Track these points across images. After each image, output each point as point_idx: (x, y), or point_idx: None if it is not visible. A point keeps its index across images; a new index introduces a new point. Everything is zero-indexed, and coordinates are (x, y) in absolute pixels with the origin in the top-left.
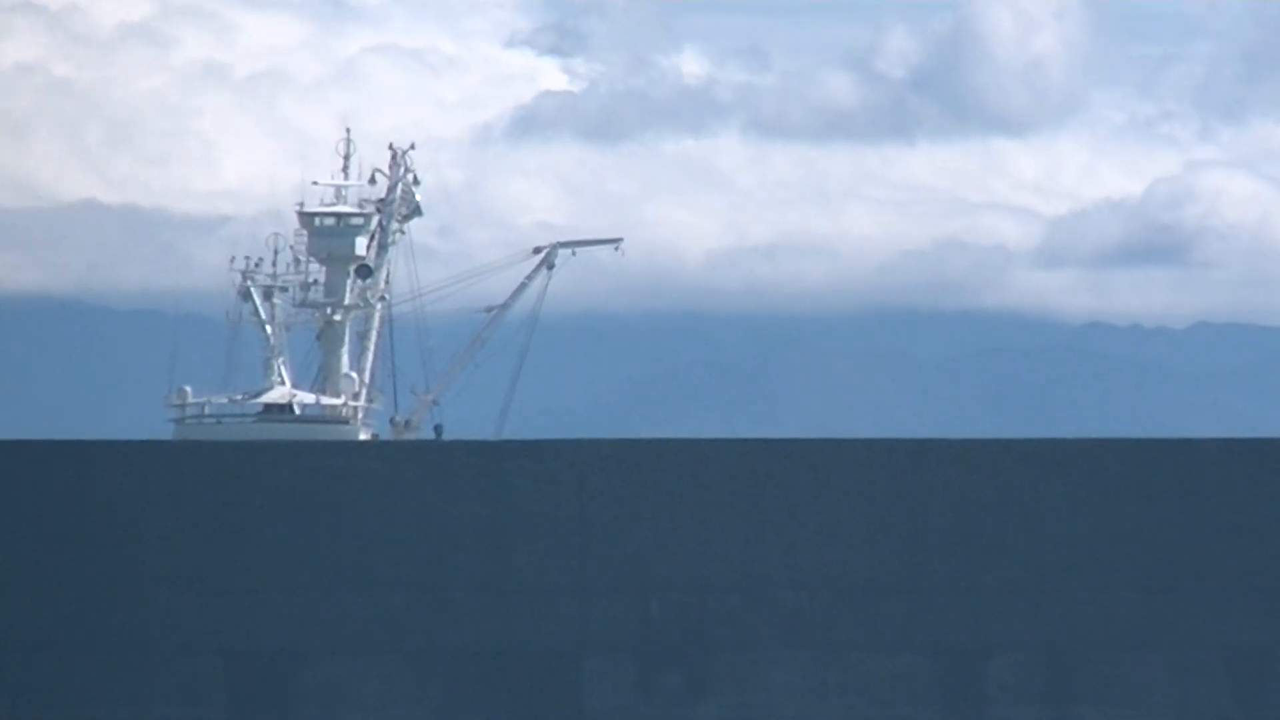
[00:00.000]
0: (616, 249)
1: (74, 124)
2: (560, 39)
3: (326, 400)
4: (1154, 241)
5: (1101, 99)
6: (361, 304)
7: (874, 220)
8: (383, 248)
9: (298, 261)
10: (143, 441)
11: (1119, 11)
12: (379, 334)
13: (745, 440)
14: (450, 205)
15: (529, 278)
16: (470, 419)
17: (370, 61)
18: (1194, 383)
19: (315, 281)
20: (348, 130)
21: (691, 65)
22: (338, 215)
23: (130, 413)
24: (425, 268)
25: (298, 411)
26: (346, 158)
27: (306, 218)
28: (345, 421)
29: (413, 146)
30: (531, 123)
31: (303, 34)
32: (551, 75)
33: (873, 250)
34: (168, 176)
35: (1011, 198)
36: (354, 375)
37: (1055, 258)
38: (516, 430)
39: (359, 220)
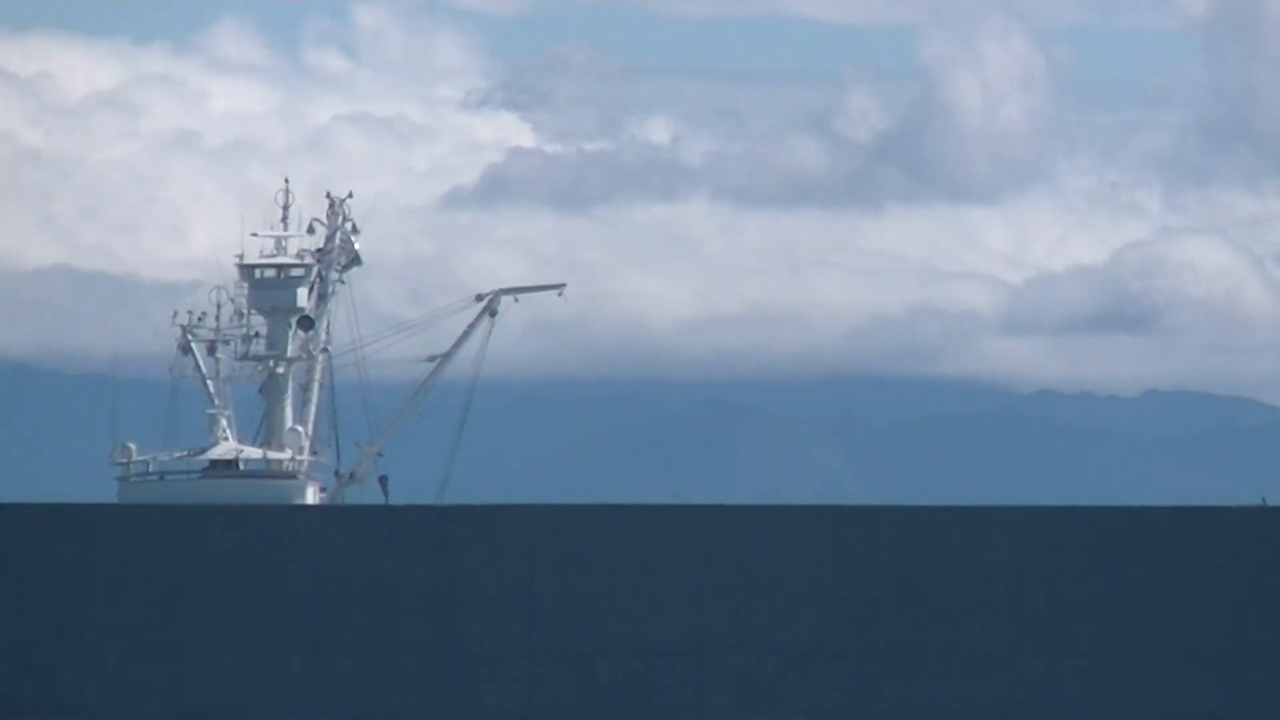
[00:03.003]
0: (559, 294)
1: (43, 192)
2: (525, 98)
3: (272, 455)
4: (1120, 310)
5: (1068, 166)
6: (304, 356)
7: (842, 288)
8: (322, 298)
9: (239, 314)
10: (90, 505)
11: (1082, 81)
12: (321, 386)
13: (694, 506)
14: (418, 272)
15: (472, 325)
16: (416, 473)
17: (340, 129)
18: (1142, 451)
19: (257, 334)
20: (286, 180)
21: (659, 130)
22: (278, 266)
23: (75, 472)
24: (398, 334)
25: (243, 468)
26: (285, 208)
27: (246, 270)
28: (292, 476)
29: (350, 195)
30: (500, 189)
31: (272, 101)
32: (520, 135)
33: (839, 318)
34: (137, 244)
35: (979, 265)
36: (299, 429)
37: (1021, 325)
38: (462, 490)
39: (299, 271)
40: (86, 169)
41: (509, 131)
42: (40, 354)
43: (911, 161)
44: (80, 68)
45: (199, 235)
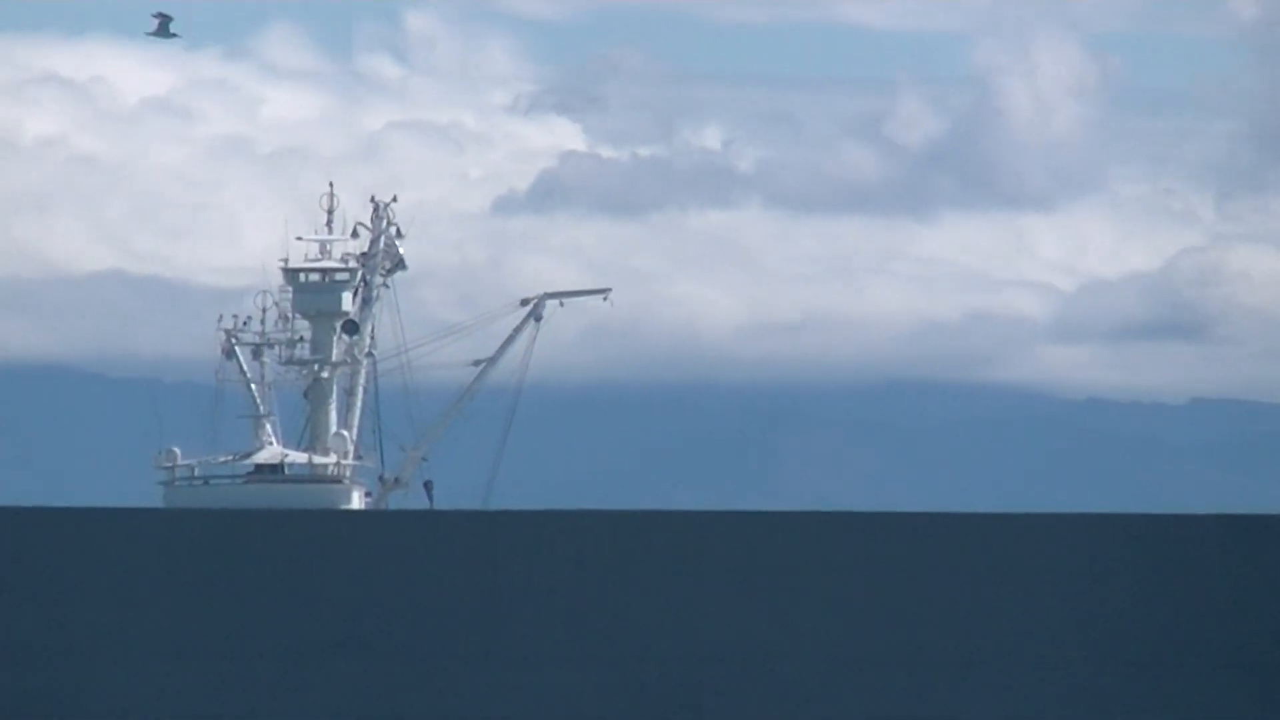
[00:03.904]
0: (605, 299)
1: (97, 197)
2: (577, 102)
3: (317, 459)
4: (1173, 317)
5: (1120, 174)
6: (349, 360)
7: (895, 295)
8: (367, 302)
9: (284, 319)
10: (133, 509)
11: (1133, 88)
12: (366, 390)
13: (740, 512)
14: (471, 278)
15: (517, 330)
16: (461, 478)
17: (394, 136)
18: (1188, 458)
19: (301, 339)
20: (330, 185)
21: (711, 136)
22: (323, 271)
23: (120, 476)
24: (443, 338)
25: (288, 472)
26: (330, 212)
27: (291, 274)
28: (337, 481)
29: (394, 199)
30: (553, 194)
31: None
32: (573, 139)
33: (891, 325)
34: (190, 250)
35: (1032, 272)
36: (345, 434)
37: (1073, 332)
38: (508, 496)
39: (344, 275)
40: (140, 174)
41: (562, 136)
42: (88, 358)
43: (965, 169)
44: (134, 72)
45: (252, 241)
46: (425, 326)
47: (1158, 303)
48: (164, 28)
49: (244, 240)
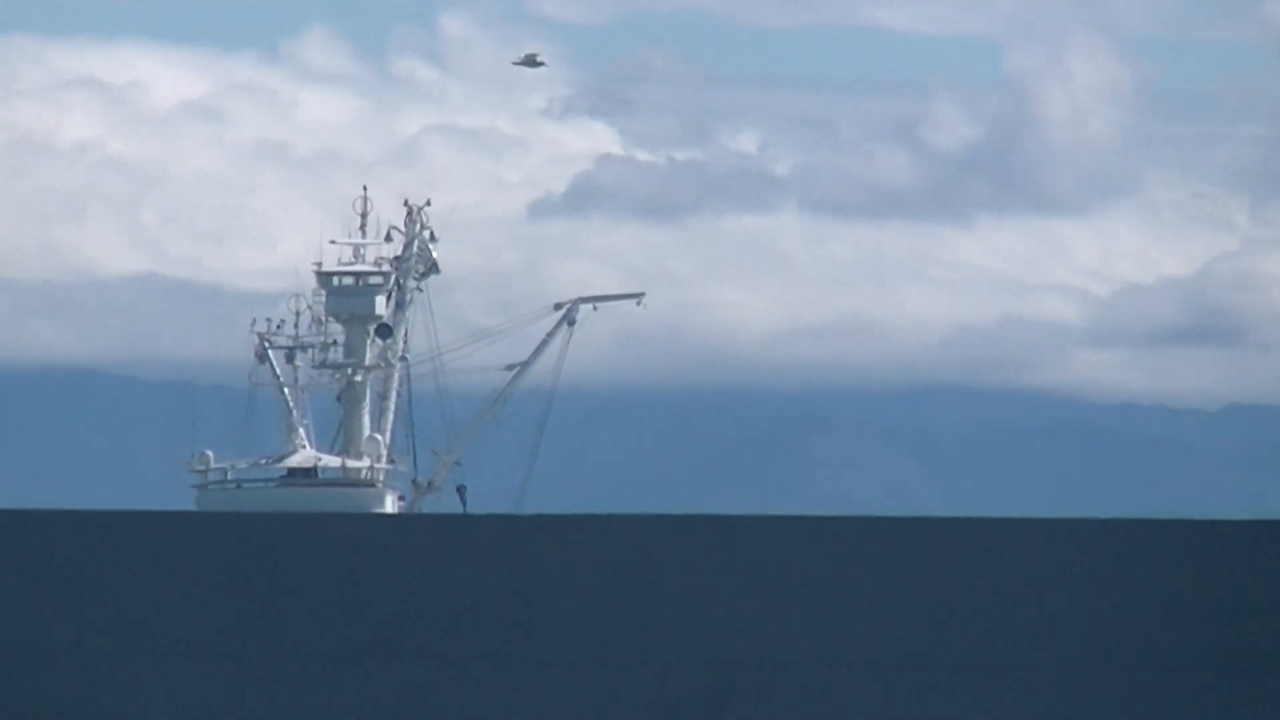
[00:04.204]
0: (639, 303)
1: (132, 201)
2: (610, 105)
3: (351, 463)
4: (1207, 322)
5: (1153, 179)
6: (382, 364)
7: (929, 300)
8: (400, 306)
9: (317, 322)
10: (166, 513)
11: (1165, 93)
12: (399, 394)
13: (769, 516)
14: (507, 283)
15: (550, 334)
16: (495, 482)
17: (430, 140)
18: (1221, 464)
19: (335, 342)
20: (364, 188)
21: (746, 140)
22: (356, 274)
23: (153, 479)
24: (476, 342)
25: (321, 475)
26: (364, 216)
27: (324, 277)
28: (370, 485)
29: (428, 203)
30: (589, 197)
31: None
32: (609, 142)
33: (926, 330)
34: (225, 253)
35: (1066, 278)
36: (379, 438)
37: (1106, 337)
38: (541, 499)
39: (377, 279)
40: (175, 178)
41: (598, 140)
42: (122, 360)
43: (999, 173)
44: (170, 76)
45: (286, 245)
46: (459, 331)
47: (1192, 308)
48: (530, 59)
49: (278, 244)
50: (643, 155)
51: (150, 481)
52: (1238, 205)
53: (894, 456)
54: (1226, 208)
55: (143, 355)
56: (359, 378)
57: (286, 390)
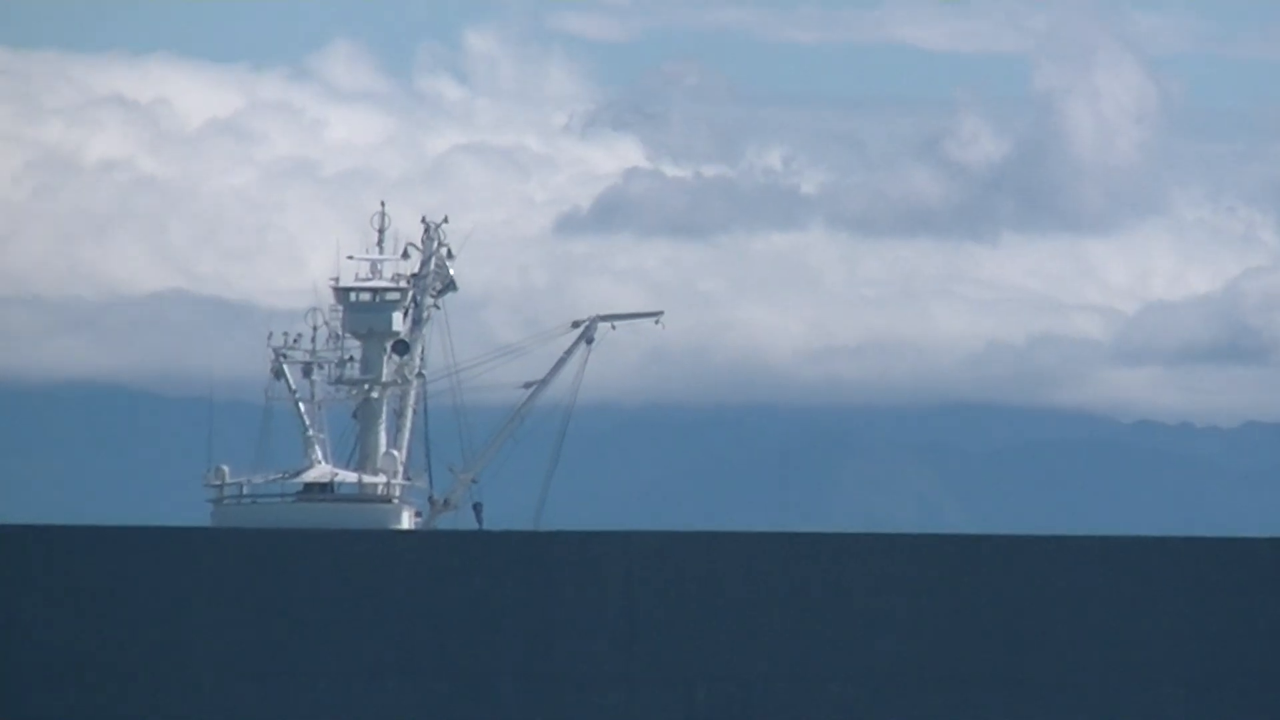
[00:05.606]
0: (658, 322)
1: (159, 220)
2: (635, 118)
3: (367, 479)
4: (1236, 340)
5: (1182, 197)
6: (399, 380)
7: (959, 318)
8: (417, 323)
9: (334, 338)
10: (183, 528)
11: (1193, 110)
12: (416, 411)
13: (792, 533)
14: (532, 301)
15: (568, 352)
16: (511, 501)
17: (458, 159)
18: (1241, 481)
19: (351, 358)
20: (382, 204)
21: (772, 156)
22: (373, 290)
23: (170, 495)
24: (494, 360)
25: (338, 491)
26: (381, 231)
27: (342, 293)
28: (387, 501)
29: (445, 220)
30: (616, 213)
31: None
32: (636, 156)
33: (954, 348)
34: (254, 272)
35: (1094, 296)
36: (395, 454)
37: (1136, 355)
38: (559, 518)
39: (395, 295)
40: (202, 196)
41: (624, 157)
42: (146, 378)
43: (1026, 191)
44: (198, 95)
45: (316, 263)
46: (479, 348)
47: (1220, 326)
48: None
49: (306, 262)
50: (670, 171)
51: (169, 497)
52: (1267, 223)
53: (921, 474)
54: (1256, 225)
55: (168, 372)
56: (375, 394)
57: (302, 405)
